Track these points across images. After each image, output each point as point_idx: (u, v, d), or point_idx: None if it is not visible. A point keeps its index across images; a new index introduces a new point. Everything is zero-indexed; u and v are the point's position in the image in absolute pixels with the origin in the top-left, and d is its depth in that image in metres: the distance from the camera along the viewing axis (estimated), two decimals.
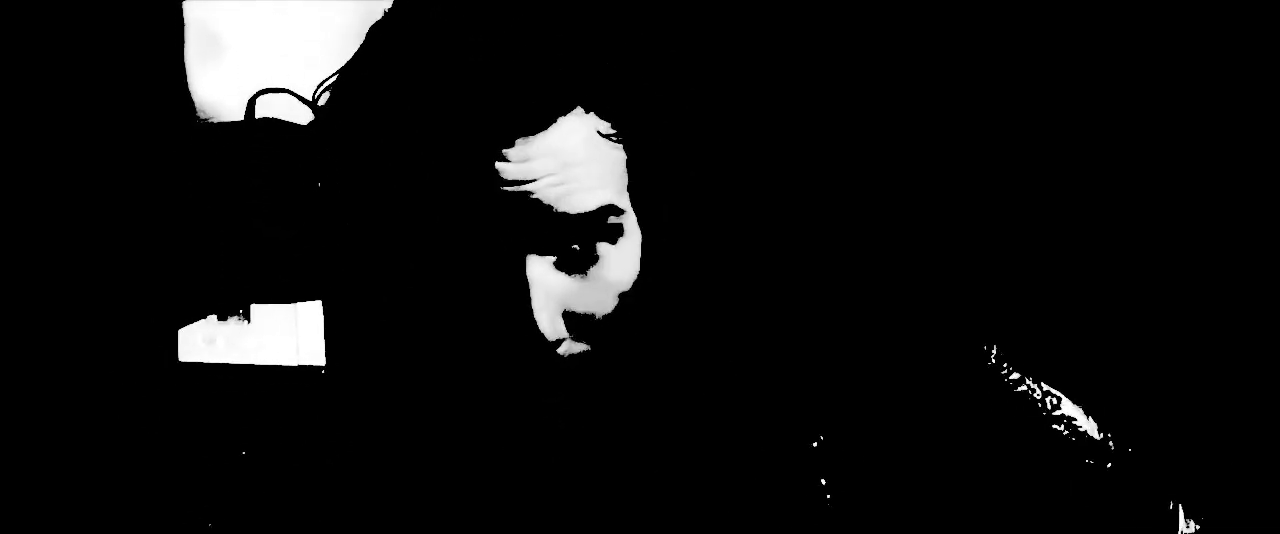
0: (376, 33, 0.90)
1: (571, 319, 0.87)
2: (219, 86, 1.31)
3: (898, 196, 1.11)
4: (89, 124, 1.19)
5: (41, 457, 1.13)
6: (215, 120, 1.27)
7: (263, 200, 1.16)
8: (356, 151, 0.86)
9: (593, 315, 0.88)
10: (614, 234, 0.86)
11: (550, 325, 0.86)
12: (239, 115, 1.24)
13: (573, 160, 0.83)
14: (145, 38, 1.28)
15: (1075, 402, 0.89)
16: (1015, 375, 0.90)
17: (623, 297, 0.88)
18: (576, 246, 0.86)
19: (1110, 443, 0.88)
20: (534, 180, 0.82)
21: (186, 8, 1.34)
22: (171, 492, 1.16)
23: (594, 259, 0.86)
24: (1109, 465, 0.88)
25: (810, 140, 1.11)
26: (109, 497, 1.14)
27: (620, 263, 0.87)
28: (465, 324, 0.87)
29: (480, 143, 0.82)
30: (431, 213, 0.83)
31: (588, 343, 0.89)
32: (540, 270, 0.85)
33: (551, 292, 0.86)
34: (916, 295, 0.95)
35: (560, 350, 0.87)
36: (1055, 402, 0.89)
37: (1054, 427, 0.89)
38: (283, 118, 1.21)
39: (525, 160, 0.82)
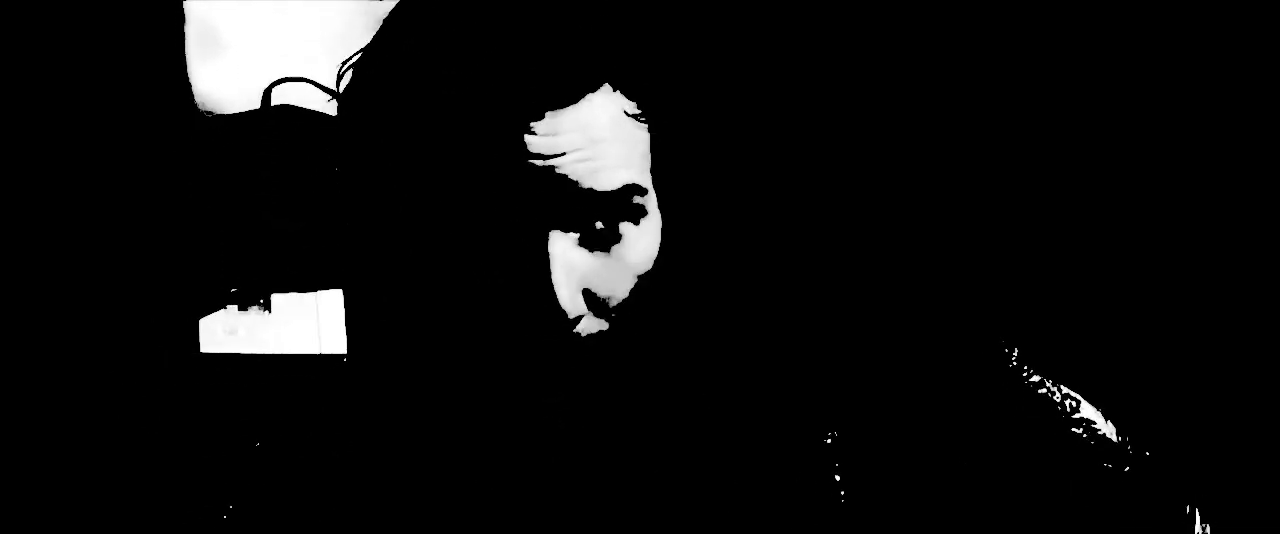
0: (402, 8, 0.89)
1: (591, 298, 0.86)
2: (220, 82, 1.30)
3: (920, 196, 1.11)
4: (104, 120, 1.18)
5: (65, 447, 1.11)
6: (218, 114, 1.26)
7: (280, 189, 1.14)
8: (382, 126, 0.85)
9: (612, 295, 0.86)
10: (637, 214, 0.85)
11: (571, 301, 0.84)
12: (244, 108, 1.23)
13: (600, 137, 0.82)
14: (153, 34, 1.28)
15: (1095, 404, 0.89)
16: (1035, 377, 0.90)
17: (642, 279, 0.87)
18: (600, 225, 0.84)
19: (1129, 446, 0.88)
20: (561, 155, 0.81)
21: (187, 6, 1.34)
22: (194, 480, 1.13)
23: (617, 238, 0.85)
24: (1127, 468, 0.87)
25: (837, 134, 1.11)
26: (131, 486, 1.12)
27: (642, 244, 0.86)
28: (487, 300, 0.85)
29: (508, 116, 0.81)
30: (457, 187, 0.82)
31: (605, 322, 0.87)
32: (562, 246, 0.84)
33: (573, 268, 0.84)
34: (937, 295, 0.95)
35: (578, 328, 0.85)
36: (1074, 404, 0.89)
37: (1073, 429, 0.88)
38: (297, 106, 1.20)
39: (553, 134, 0.81)
